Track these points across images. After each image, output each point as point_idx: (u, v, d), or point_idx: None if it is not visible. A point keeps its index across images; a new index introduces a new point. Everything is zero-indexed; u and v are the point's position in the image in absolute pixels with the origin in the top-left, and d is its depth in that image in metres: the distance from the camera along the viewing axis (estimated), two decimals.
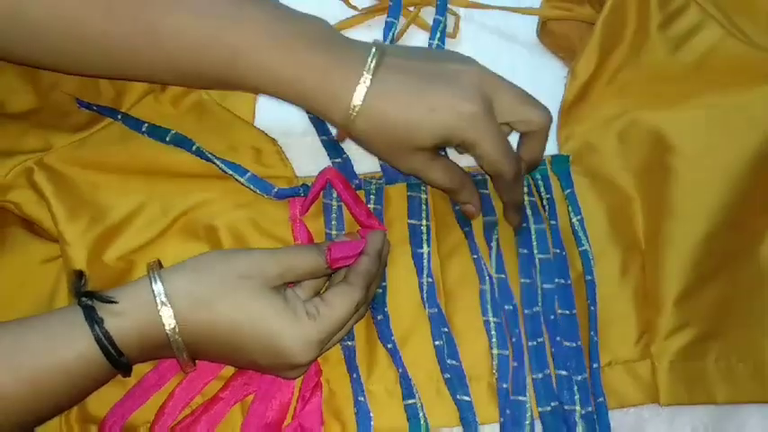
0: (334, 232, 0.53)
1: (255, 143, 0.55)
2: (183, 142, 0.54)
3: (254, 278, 0.46)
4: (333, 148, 0.56)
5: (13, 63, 0.54)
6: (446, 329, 0.51)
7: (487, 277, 0.52)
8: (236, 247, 0.52)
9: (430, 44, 0.59)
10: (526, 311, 0.52)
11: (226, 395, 0.50)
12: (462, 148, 0.50)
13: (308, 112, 0.56)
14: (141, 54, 0.48)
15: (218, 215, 0.53)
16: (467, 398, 0.50)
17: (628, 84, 0.56)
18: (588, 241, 0.53)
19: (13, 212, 0.53)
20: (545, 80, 0.58)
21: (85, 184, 0.53)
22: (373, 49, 0.48)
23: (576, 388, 0.50)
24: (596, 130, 0.56)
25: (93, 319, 0.44)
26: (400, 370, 0.51)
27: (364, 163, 0.56)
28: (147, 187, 0.53)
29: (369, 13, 0.60)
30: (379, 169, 0.55)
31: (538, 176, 0.55)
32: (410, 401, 0.50)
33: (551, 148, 0.56)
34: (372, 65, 0.47)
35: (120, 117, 0.55)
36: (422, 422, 0.50)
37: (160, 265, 0.47)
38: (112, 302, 0.45)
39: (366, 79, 0.47)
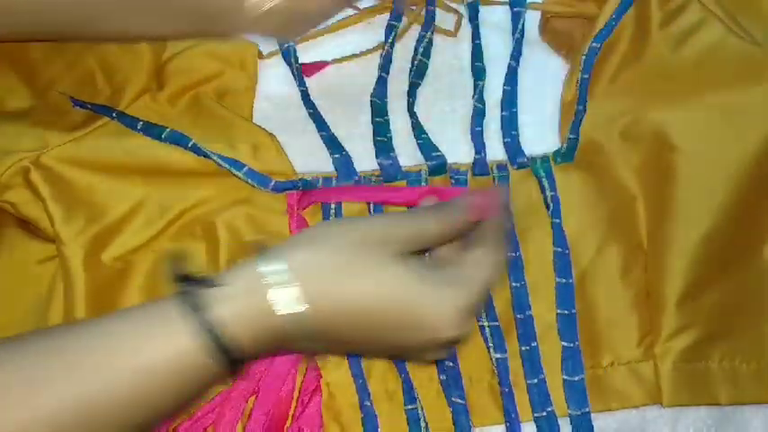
0: None
1: (254, 139, 0.55)
2: (178, 139, 0.53)
3: (387, 245, 0.39)
4: (332, 144, 0.55)
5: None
6: None
7: None
8: (233, 245, 0.52)
9: (414, 62, 0.58)
10: (518, 316, 0.51)
11: (229, 396, 0.49)
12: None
13: (307, 109, 0.56)
14: None
15: (217, 213, 0.53)
16: (461, 401, 0.50)
17: (629, 82, 0.56)
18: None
19: (9, 212, 0.52)
20: (547, 78, 0.58)
21: (82, 183, 0.52)
22: None
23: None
24: (598, 128, 0.55)
25: (196, 306, 0.37)
26: (402, 375, 0.50)
27: (364, 161, 0.55)
28: (145, 186, 0.53)
29: (369, 12, 0.60)
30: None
31: (542, 174, 0.54)
32: (411, 407, 0.50)
33: (554, 146, 0.56)
34: None
35: (114, 115, 0.54)
36: (422, 424, 0.49)
37: (264, 243, 0.40)
38: (219, 286, 0.37)
39: None
